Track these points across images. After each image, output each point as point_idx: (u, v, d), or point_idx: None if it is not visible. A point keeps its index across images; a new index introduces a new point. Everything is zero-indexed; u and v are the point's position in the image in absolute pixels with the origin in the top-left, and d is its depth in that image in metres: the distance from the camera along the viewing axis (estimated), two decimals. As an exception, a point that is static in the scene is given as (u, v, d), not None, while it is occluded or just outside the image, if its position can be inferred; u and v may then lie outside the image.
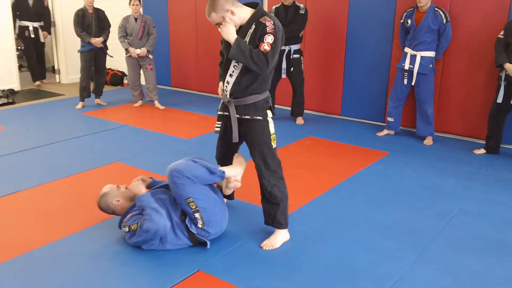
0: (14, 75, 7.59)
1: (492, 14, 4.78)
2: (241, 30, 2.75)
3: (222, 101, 2.96)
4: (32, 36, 7.59)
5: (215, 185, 3.11)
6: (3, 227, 3.20)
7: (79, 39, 6.28)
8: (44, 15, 7.72)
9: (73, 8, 6.44)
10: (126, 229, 2.87)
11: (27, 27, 7.53)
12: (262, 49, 2.65)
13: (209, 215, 2.84)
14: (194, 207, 2.80)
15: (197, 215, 2.81)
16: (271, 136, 2.88)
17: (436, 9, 4.76)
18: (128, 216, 2.91)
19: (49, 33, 7.90)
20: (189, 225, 2.85)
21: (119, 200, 2.98)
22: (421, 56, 4.87)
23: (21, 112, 6.28)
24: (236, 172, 3.00)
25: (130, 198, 2.99)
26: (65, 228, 3.16)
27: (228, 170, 2.97)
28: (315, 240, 3.05)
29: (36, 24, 7.61)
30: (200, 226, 2.84)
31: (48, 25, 7.83)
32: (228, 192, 3.06)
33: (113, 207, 2.99)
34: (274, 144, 2.90)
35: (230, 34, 2.69)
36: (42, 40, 7.74)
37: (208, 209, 2.83)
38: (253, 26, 2.71)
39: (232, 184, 2.99)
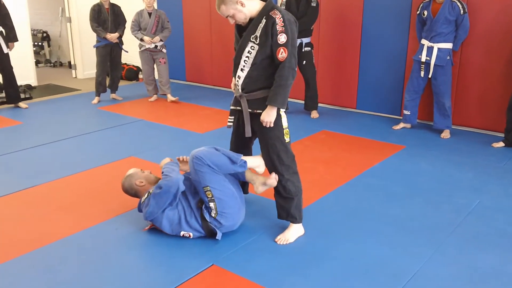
0: (31, 70, 7.69)
1: (511, 4, 4.67)
2: (252, 23, 2.73)
3: (234, 95, 2.96)
4: None
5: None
6: (20, 221, 3.24)
7: (95, 34, 6.32)
8: None
9: (89, 3, 6.49)
10: (146, 195, 2.93)
11: None
12: (280, 58, 2.67)
13: (224, 206, 2.85)
14: (210, 196, 2.83)
15: (211, 204, 2.84)
16: (284, 131, 2.85)
17: (453, -1, 4.67)
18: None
19: (15, 41, 5.92)
20: (204, 213, 2.87)
21: (142, 182, 3.06)
22: (438, 48, 4.78)
23: (38, 107, 6.35)
24: (258, 163, 2.99)
25: (153, 181, 3.06)
26: (81, 222, 3.20)
27: (250, 160, 2.96)
28: (329, 235, 3.03)
29: None
30: (213, 215, 2.86)
31: (9, 32, 5.82)
32: (261, 189, 3.01)
33: (136, 188, 3.06)
34: (287, 139, 2.88)
35: (272, 116, 2.76)
36: (5, 50, 5.82)
37: (224, 200, 2.85)
38: (264, 20, 2.70)
39: (270, 181, 2.92)
